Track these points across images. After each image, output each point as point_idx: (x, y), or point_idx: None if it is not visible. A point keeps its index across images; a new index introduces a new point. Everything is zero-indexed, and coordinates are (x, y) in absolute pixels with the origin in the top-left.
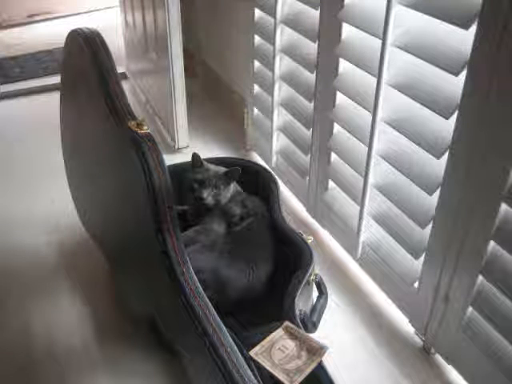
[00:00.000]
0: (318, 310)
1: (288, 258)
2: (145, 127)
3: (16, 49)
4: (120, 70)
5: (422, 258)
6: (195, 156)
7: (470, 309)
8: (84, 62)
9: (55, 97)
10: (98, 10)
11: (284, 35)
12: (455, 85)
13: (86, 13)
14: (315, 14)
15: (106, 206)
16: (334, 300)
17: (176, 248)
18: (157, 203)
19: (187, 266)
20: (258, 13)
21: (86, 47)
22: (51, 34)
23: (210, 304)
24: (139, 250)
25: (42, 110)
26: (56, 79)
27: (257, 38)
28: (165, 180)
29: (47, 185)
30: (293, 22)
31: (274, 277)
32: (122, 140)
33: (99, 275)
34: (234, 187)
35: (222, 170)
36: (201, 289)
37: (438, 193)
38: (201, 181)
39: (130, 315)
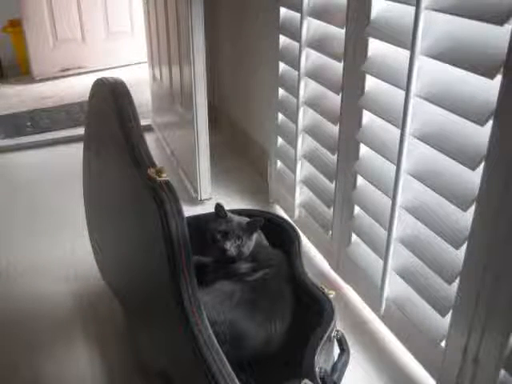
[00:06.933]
0: (339, 368)
1: (308, 312)
2: (164, 174)
3: (48, 101)
4: (146, 122)
5: (448, 315)
6: (218, 206)
7: (503, 372)
8: (107, 110)
9: (81, 147)
10: (128, 65)
11: (308, 88)
12: (481, 135)
13: (117, 67)
14: (339, 66)
15: (123, 253)
16: (356, 358)
17: (191, 299)
18: (173, 251)
19: (202, 318)
20: (282, 66)
21: (109, 95)
22: (82, 86)
23: (224, 358)
24: (154, 300)
25: (67, 159)
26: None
27: (280, 91)
28: (182, 228)
29: (68, 234)
30: (316, 75)
31: (292, 331)
32: (141, 187)
33: (115, 327)
34: (256, 237)
35: (245, 220)
36: (215, 341)
37: (464, 247)
38: (224, 232)
39: (145, 369)
